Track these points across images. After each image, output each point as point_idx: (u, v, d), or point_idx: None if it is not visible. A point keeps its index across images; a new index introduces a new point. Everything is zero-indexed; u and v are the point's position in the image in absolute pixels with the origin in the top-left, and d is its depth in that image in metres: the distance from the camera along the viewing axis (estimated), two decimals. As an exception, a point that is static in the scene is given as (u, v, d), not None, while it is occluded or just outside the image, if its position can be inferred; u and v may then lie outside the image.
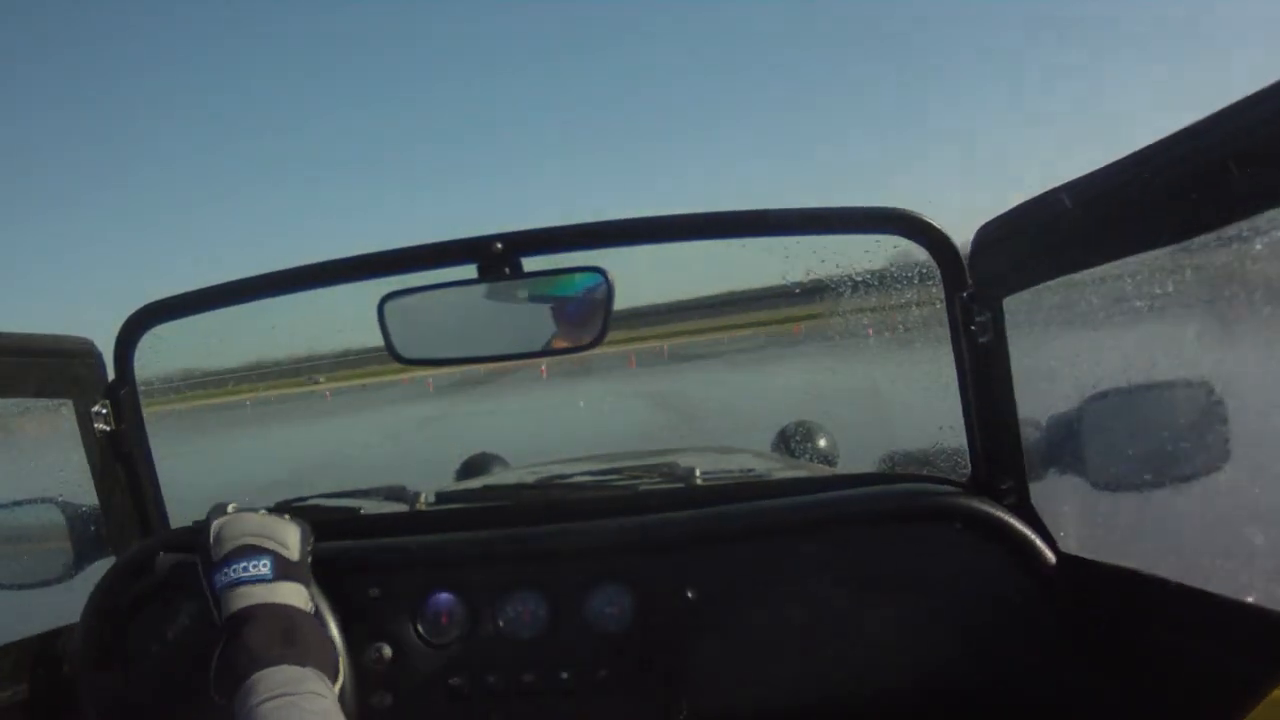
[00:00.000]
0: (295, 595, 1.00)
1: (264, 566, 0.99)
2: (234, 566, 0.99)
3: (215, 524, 1.05)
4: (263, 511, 1.11)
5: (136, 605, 1.22)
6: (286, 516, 1.10)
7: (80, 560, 1.36)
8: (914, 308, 1.30)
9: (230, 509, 1.09)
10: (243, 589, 0.97)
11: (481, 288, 1.22)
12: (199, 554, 1.04)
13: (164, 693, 1.18)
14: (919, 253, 1.19)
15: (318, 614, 1.06)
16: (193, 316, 1.34)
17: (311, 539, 1.09)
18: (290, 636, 0.94)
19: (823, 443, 2.81)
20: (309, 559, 1.07)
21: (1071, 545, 1.15)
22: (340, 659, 1.00)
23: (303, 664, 0.92)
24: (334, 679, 0.96)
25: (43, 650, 1.28)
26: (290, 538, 1.05)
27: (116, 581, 1.20)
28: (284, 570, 1.01)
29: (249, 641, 0.92)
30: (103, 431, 1.33)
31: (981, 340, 1.13)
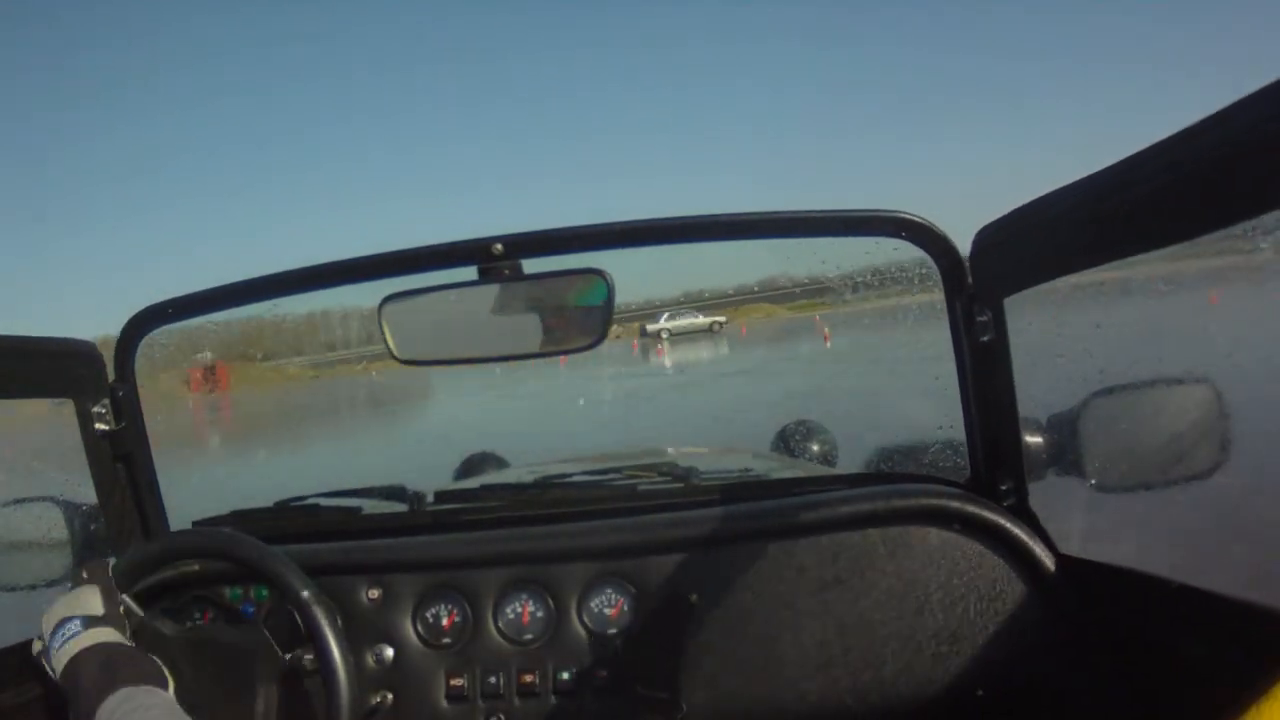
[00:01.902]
0: (106, 635, 1.11)
1: (74, 626, 1.11)
2: (54, 640, 1.11)
3: (44, 616, 1.15)
4: (74, 589, 1.19)
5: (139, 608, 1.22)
6: (84, 575, 1.19)
7: (79, 561, 1.36)
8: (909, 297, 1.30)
9: (67, 586, 1.21)
10: (61, 650, 1.09)
11: (481, 289, 1.22)
12: (41, 654, 1.14)
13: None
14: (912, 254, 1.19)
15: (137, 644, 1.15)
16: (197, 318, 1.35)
17: (115, 591, 1.17)
18: (110, 665, 1.05)
19: (822, 442, 2.80)
20: (119, 605, 1.17)
21: (1071, 546, 1.15)
22: (165, 671, 1.10)
23: (133, 684, 1.02)
24: (164, 687, 1.07)
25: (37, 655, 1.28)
26: (91, 600, 1.15)
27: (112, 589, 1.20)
28: (90, 624, 1.11)
29: (80, 683, 1.03)
30: (103, 431, 1.33)
31: (983, 339, 1.13)
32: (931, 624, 1.14)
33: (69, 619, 1.12)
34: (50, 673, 1.10)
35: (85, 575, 1.19)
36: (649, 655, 1.14)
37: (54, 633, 1.11)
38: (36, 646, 1.18)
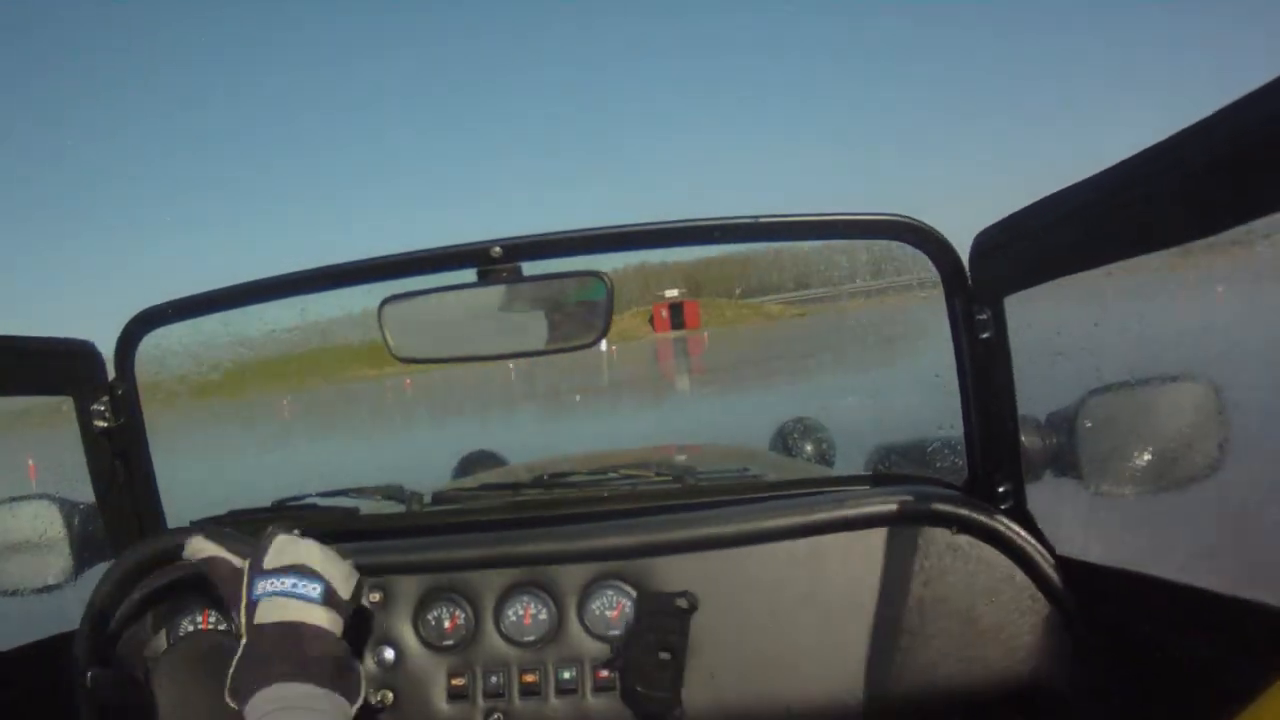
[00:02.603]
0: (334, 624, 0.99)
1: (314, 590, 0.98)
2: (284, 580, 0.98)
3: (278, 537, 1.03)
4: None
5: (140, 609, 1.22)
6: (350, 562, 1.07)
7: (79, 562, 1.36)
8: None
9: (295, 533, 1.07)
10: (284, 601, 0.96)
11: (481, 291, 1.22)
12: (251, 556, 1.02)
13: (167, 697, 1.17)
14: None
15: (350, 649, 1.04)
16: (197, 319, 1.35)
17: (364, 588, 1.07)
18: (318, 658, 0.93)
19: (820, 440, 2.81)
20: (355, 603, 1.06)
21: (1068, 547, 1.15)
22: (362, 684, 0.99)
23: (322, 686, 0.91)
24: (352, 702, 0.96)
25: (42, 656, 1.28)
26: (346, 576, 1.04)
27: (115, 587, 1.19)
28: (331, 600, 0.99)
29: (276, 652, 0.92)
30: (101, 429, 1.33)
31: (983, 338, 1.13)
32: (930, 626, 1.15)
33: (315, 576, 0.98)
34: (239, 606, 0.97)
35: (349, 562, 1.06)
36: (649, 656, 1.15)
37: (288, 574, 0.97)
38: (198, 551, 1.03)
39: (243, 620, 0.98)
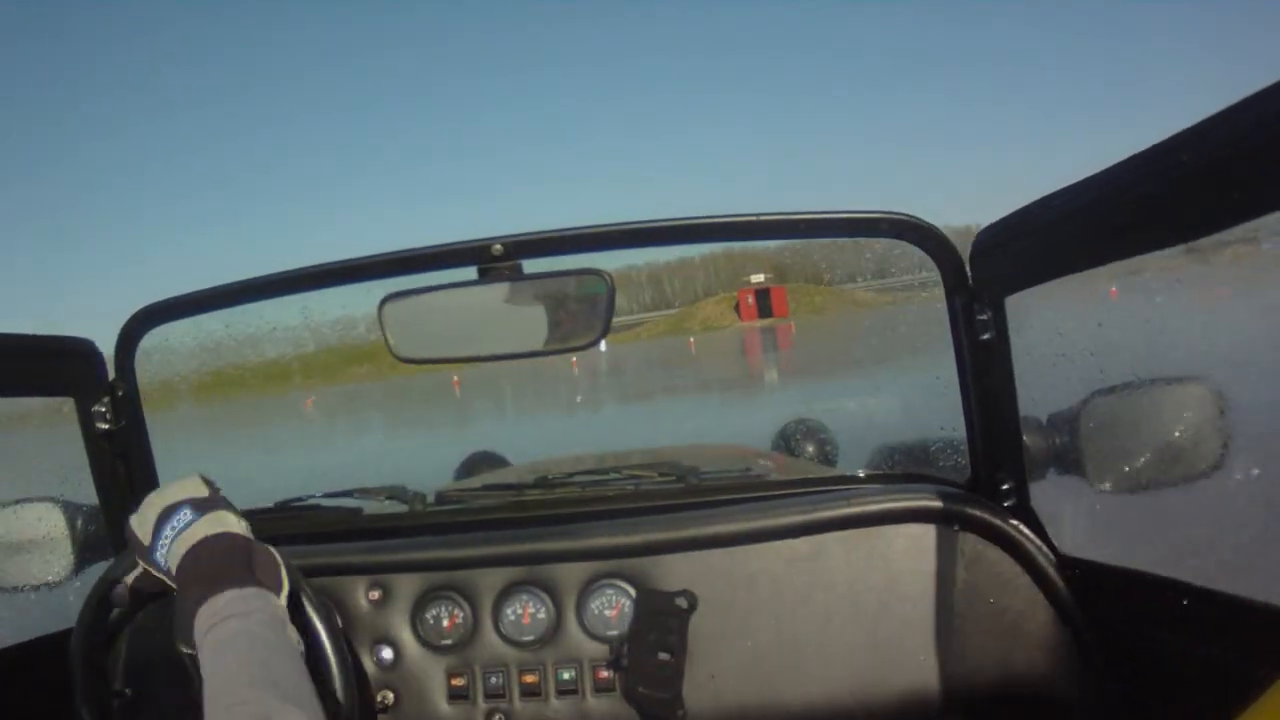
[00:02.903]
0: (217, 523, 1.01)
1: (184, 514, 1.01)
2: (160, 534, 1.01)
3: (130, 521, 1.06)
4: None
5: (131, 612, 1.22)
6: (196, 479, 1.09)
7: (80, 561, 1.36)
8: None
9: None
10: (172, 545, 0.99)
11: (481, 289, 1.22)
12: (134, 550, 1.05)
13: (160, 699, 1.18)
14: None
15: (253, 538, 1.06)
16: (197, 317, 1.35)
17: (214, 482, 1.09)
18: (225, 564, 0.95)
19: (822, 441, 2.80)
20: (220, 491, 1.07)
21: (1071, 546, 1.15)
22: (281, 569, 1.01)
23: (244, 586, 0.93)
24: (277, 590, 0.98)
25: (39, 655, 1.28)
26: (194, 485, 1.06)
27: (107, 590, 1.20)
28: (200, 507, 1.02)
29: (190, 582, 0.94)
30: (103, 430, 1.33)
31: (983, 338, 1.13)
32: (931, 624, 1.15)
33: (178, 505, 1.01)
34: (159, 574, 1.01)
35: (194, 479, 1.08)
36: (649, 655, 1.14)
37: (161, 523, 1.01)
38: (120, 591, 1.07)
39: (165, 580, 1.01)
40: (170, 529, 1.00)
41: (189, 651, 0.91)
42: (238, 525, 1.02)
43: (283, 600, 0.97)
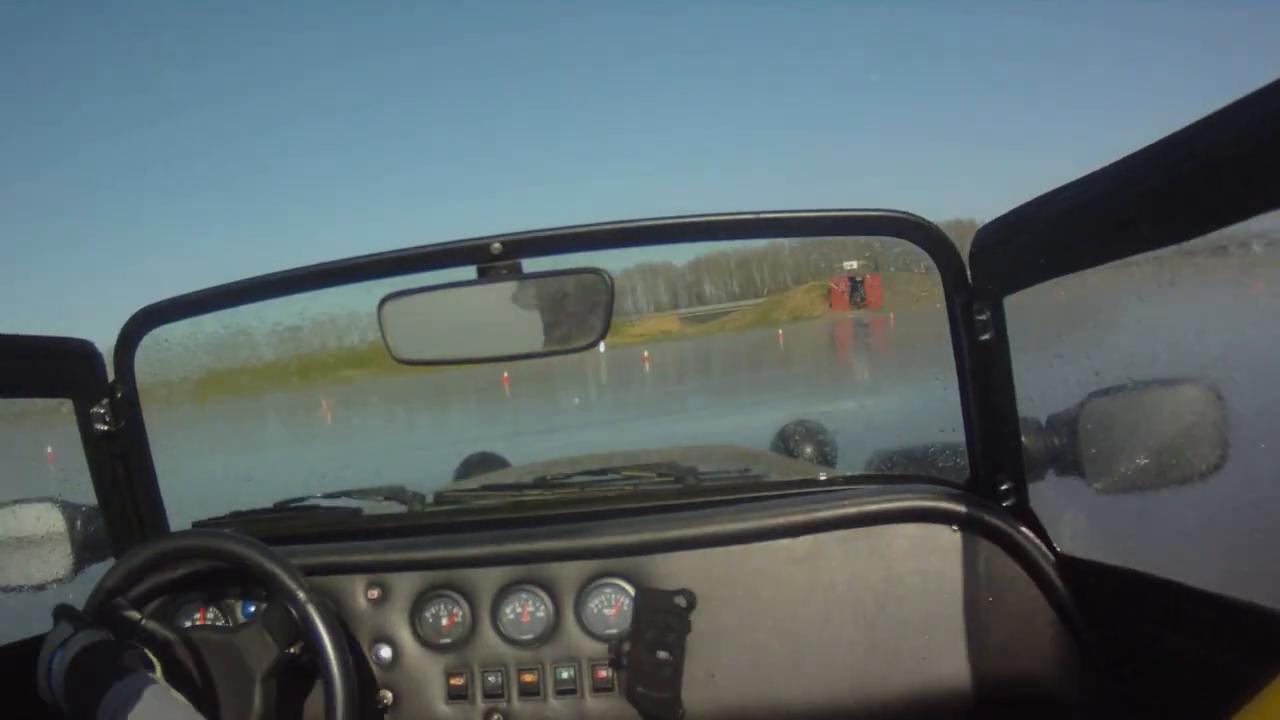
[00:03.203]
0: (85, 638, 1.06)
1: (59, 654, 1.06)
2: (50, 678, 1.06)
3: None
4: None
5: (138, 606, 1.22)
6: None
7: (79, 561, 1.36)
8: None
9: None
10: (56, 675, 1.05)
11: (481, 289, 1.22)
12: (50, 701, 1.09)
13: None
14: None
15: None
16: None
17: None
18: (97, 665, 1.01)
19: (821, 442, 2.80)
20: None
21: (1070, 546, 1.15)
22: (145, 653, 1.06)
23: (117, 679, 0.98)
24: (150, 669, 1.04)
25: (39, 654, 1.28)
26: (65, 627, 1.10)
27: (115, 585, 1.20)
28: (70, 633, 1.07)
29: (79, 696, 1.00)
30: (102, 431, 1.33)
31: (982, 338, 1.13)
32: (930, 624, 1.14)
33: (55, 651, 1.08)
34: (63, 708, 1.06)
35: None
36: (648, 654, 1.14)
37: (48, 672, 1.08)
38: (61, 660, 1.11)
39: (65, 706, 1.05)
40: (54, 670, 1.05)
41: None
42: (98, 635, 1.07)
43: (158, 675, 1.04)
